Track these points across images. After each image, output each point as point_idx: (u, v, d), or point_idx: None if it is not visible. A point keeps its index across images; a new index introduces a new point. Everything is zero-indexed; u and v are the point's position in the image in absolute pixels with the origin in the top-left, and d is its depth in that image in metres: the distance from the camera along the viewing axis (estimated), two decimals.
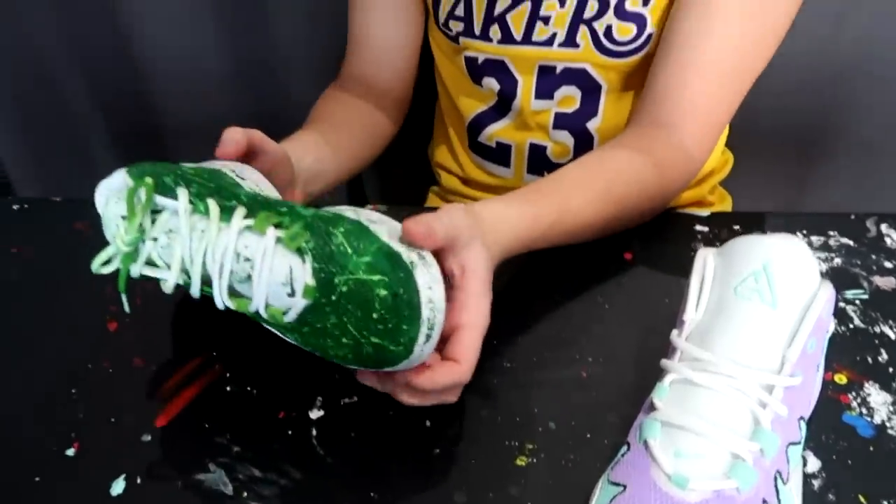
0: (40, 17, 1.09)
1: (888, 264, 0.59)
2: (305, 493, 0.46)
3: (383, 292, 0.40)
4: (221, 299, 0.44)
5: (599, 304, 0.58)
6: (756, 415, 0.40)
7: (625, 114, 0.74)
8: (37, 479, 0.48)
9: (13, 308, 0.61)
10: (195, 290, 0.45)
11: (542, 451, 0.48)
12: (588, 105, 0.75)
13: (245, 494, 0.46)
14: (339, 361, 0.44)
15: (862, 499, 0.44)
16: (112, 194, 0.48)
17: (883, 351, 0.53)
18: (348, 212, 0.44)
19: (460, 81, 0.81)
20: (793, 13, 0.65)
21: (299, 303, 0.42)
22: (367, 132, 0.81)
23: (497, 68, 0.76)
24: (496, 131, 0.80)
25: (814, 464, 0.46)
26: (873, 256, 0.60)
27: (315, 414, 0.51)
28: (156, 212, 0.46)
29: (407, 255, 0.42)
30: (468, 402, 0.50)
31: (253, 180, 0.52)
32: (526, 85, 0.75)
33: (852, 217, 0.64)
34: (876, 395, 0.50)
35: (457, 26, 0.75)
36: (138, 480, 0.47)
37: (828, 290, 0.43)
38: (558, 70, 0.73)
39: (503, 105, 0.78)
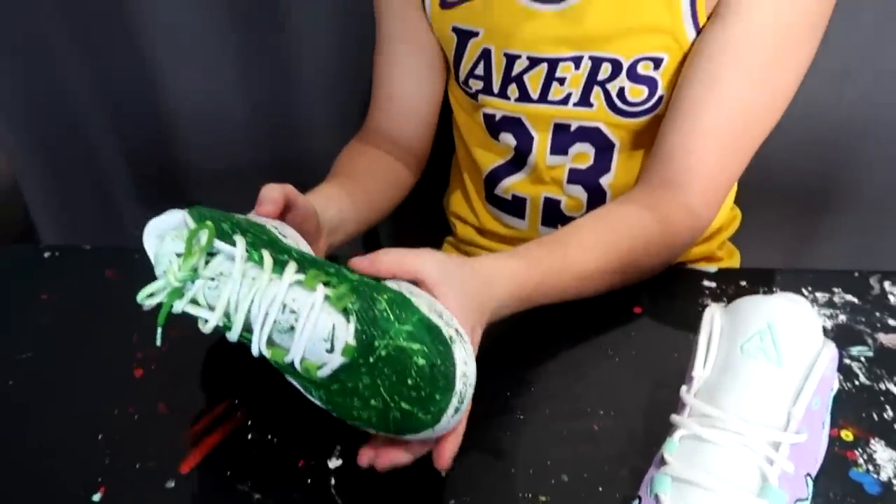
0: (72, 64, 1.13)
1: (892, 321, 0.61)
2: None
3: (422, 361, 0.43)
4: (259, 347, 0.46)
5: (610, 357, 0.59)
6: (763, 471, 0.41)
7: (636, 171, 0.76)
8: None
9: (43, 353, 0.63)
10: (234, 335, 0.47)
11: None
12: (601, 162, 0.77)
13: None
14: (359, 424, 0.46)
15: None
16: (170, 232, 0.50)
17: (888, 408, 0.54)
18: (390, 282, 0.47)
19: (478, 136, 0.84)
20: (801, 76, 0.68)
21: (336, 360, 0.44)
22: (387, 185, 0.84)
23: (514, 125, 0.79)
24: (512, 184, 0.83)
25: None
26: (877, 314, 0.62)
27: (334, 463, 0.52)
28: (210, 254, 0.48)
29: (446, 330, 0.44)
30: (483, 454, 0.52)
31: (293, 238, 0.55)
32: (541, 141, 0.78)
33: (856, 274, 0.66)
34: (882, 452, 0.51)
35: (476, 85, 0.79)
36: None
37: (831, 350, 0.45)
38: (573, 128, 0.76)
39: (519, 160, 0.81)
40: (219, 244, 0.48)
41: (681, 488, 0.42)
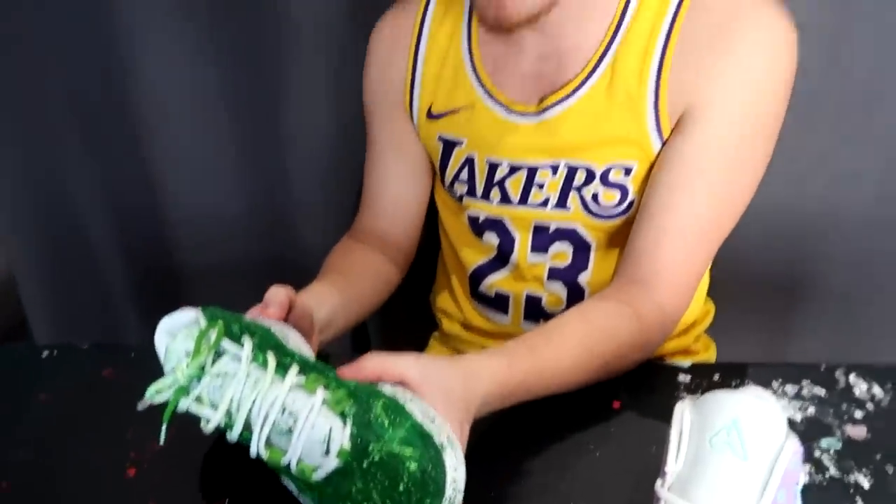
0: (73, 161, 1.17)
1: (858, 413, 0.64)
2: None
3: (413, 466, 0.45)
4: (257, 447, 0.48)
5: (590, 451, 0.62)
6: None
7: (612, 269, 0.80)
8: None
9: (40, 450, 0.64)
10: (234, 435, 0.50)
11: None
12: (579, 260, 0.82)
13: None
14: None
15: None
16: (182, 329, 0.53)
17: (859, 499, 0.56)
18: (385, 387, 0.49)
19: (463, 235, 0.88)
20: (757, 179, 0.74)
21: (331, 463, 0.46)
22: (376, 283, 0.88)
23: (496, 225, 0.83)
24: (496, 281, 0.87)
25: None
26: (844, 406, 0.65)
27: None
28: (218, 353, 0.51)
29: (438, 437, 0.46)
30: None
31: (295, 342, 0.57)
32: (522, 241, 0.83)
33: (822, 368, 0.69)
34: None
35: (461, 189, 0.84)
36: None
37: (794, 444, 0.47)
38: (551, 229, 0.81)
39: (502, 258, 0.85)
40: (227, 344, 0.51)
41: None
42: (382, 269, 0.89)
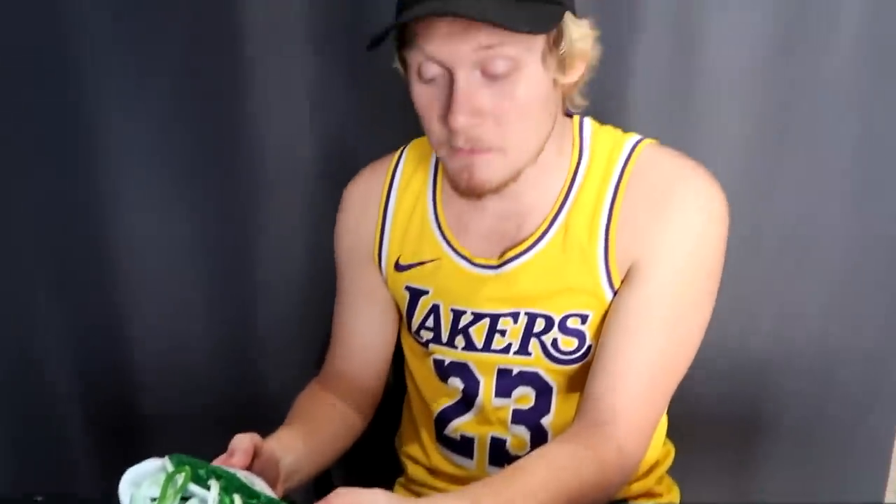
0: (36, 304, 1.18)
1: None
2: None
3: None
4: None
5: None
6: None
7: (573, 411, 0.83)
8: None
9: None
10: None
11: None
12: (541, 403, 0.85)
13: None
14: None
15: None
16: (147, 478, 0.54)
17: None
18: None
19: (429, 380, 0.91)
20: (704, 323, 0.79)
21: None
22: (341, 431, 0.89)
23: (461, 369, 0.87)
24: (461, 425, 0.89)
25: None
26: None
27: None
28: (185, 498, 0.52)
29: None
30: None
31: (261, 488, 0.59)
32: (487, 385, 0.86)
33: None
34: None
35: (427, 335, 0.87)
36: None
37: None
38: (514, 373, 0.84)
39: (467, 401, 0.88)
40: (194, 488, 0.52)
41: None
42: (348, 417, 0.91)
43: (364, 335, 0.94)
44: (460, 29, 0.68)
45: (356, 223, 0.91)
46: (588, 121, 0.83)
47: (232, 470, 0.59)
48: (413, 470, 0.96)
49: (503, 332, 0.83)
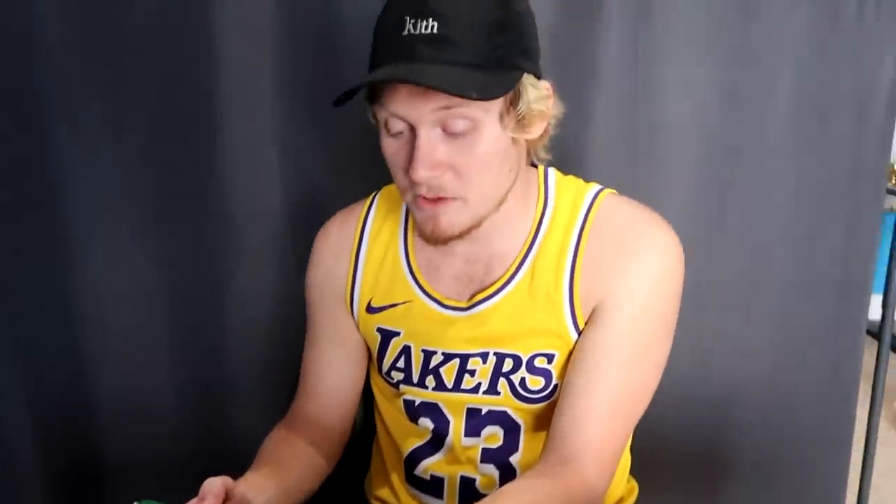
0: None
1: None
2: None
3: None
4: None
5: None
6: None
7: (540, 449, 0.86)
8: None
9: None
10: None
11: None
12: (510, 442, 0.87)
13: None
14: None
15: None
16: None
17: None
18: None
19: (399, 420, 0.93)
20: (664, 361, 0.84)
21: None
22: (309, 473, 0.90)
23: (431, 409, 0.89)
24: (431, 465, 0.91)
25: None
26: None
27: None
28: None
29: None
30: None
31: None
32: (456, 424, 0.88)
33: None
34: None
35: (398, 375, 0.90)
36: None
37: None
38: (483, 412, 0.87)
39: (437, 441, 0.90)
40: None
41: None
42: (314, 460, 0.92)
43: (332, 378, 0.95)
44: (420, 92, 0.72)
45: (328, 267, 0.93)
46: (552, 171, 0.88)
47: None
48: None
49: (472, 372, 0.86)
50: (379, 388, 0.96)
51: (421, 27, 0.71)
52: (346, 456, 0.98)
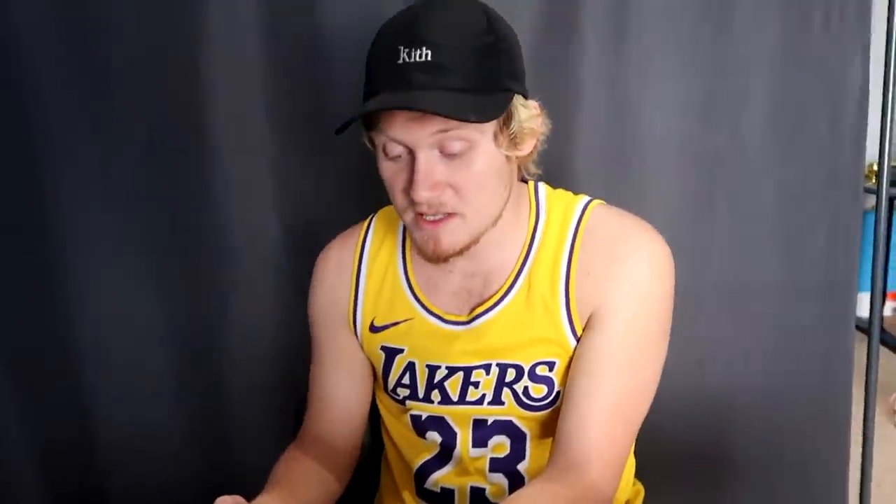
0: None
1: None
2: None
3: None
4: None
5: None
6: None
7: (546, 455, 0.88)
8: None
9: None
10: None
11: None
12: (517, 450, 0.89)
13: None
14: None
15: None
16: None
17: None
18: None
19: (407, 436, 0.94)
20: (661, 364, 0.86)
21: None
22: (321, 491, 0.92)
23: (438, 423, 0.91)
24: (440, 477, 0.92)
25: None
26: None
27: None
28: None
29: None
30: None
31: None
32: (463, 436, 0.90)
33: None
34: None
35: (404, 392, 0.92)
36: None
37: None
38: (489, 422, 0.89)
39: (445, 454, 0.91)
40: None
41: None
42: (326, 480, 0.93)
43: (340, 398, 0.97)
44: (417, 117, 0.76)
45: (330, 289, 0.96)
46: (542, 185, 0.91)
47: None
48: None
49: (476, 384, 0.88)
50: (385, 407, 0.98)
51: (415, 55, 0.74)
52: (356, 476, 1.00)
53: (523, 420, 0.88)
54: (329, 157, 1.15)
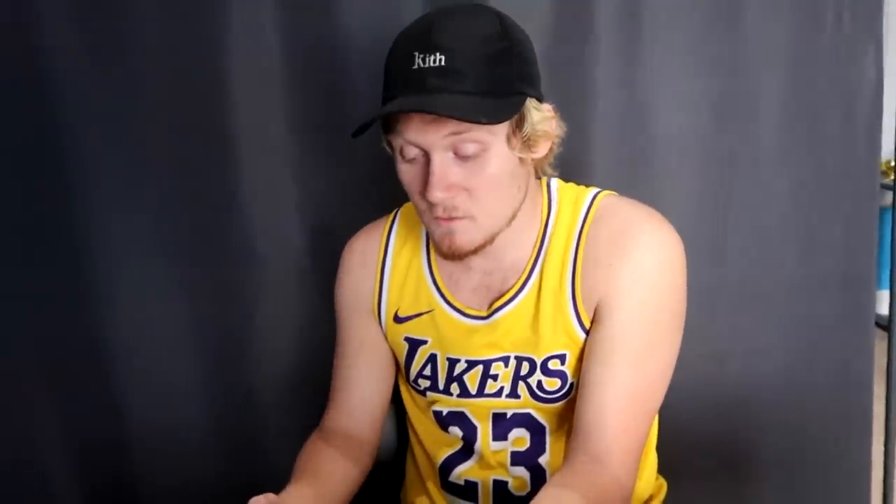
0: (37, 393, 1.22)
1: None
2: None
3: None
4: None
5: None
6: None
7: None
8: None
9: None
10: None
11: None
12: (537, 443, 0.91)
13: None
14: None
15: None
16: None
17: None
18: None
19: (431, 431, 0.97)
20: (674, 353, 0.87)
21: None
22: (343, 479, 0.94)
23: (459, 417, 0.93)
24: (464, 471, 0.95)
25: None
26: None
27: None
28: None
29: None
30: None
31: None
32: (484, 430, 0.92)
33: None
34: None
35: (424, 383, 0.94)
36: None
37: None
38: (508, 416, 0.91)
39: (467, 448, 0.94)
40: None
41: None
42: (347, 469, 0.95)
43: (363, 388, 0.99)
44: (432, 120, 0.78)
45: (356, 280, 0.98)
46: (555, 180, 0.93)
47: None
48: None
49: (495, 377, 0.90)
50: (410, 400, 1.00)
51: (429, 61, 0.77)
52: (381, 468, 1.02)
53: (541, 412, 0.90)
54: (350, 163, 1.17)
